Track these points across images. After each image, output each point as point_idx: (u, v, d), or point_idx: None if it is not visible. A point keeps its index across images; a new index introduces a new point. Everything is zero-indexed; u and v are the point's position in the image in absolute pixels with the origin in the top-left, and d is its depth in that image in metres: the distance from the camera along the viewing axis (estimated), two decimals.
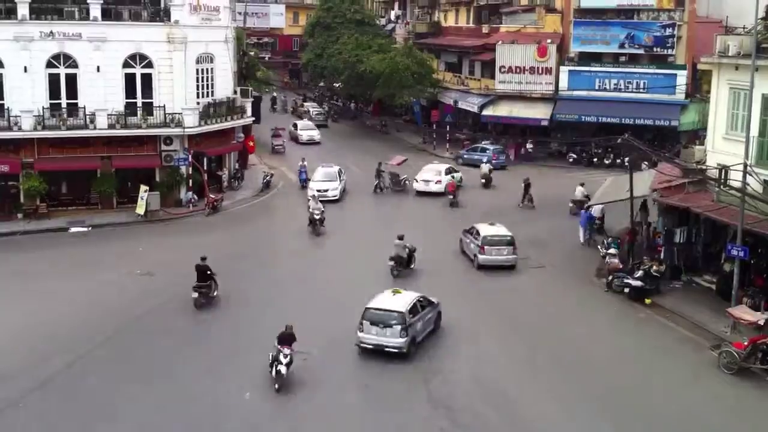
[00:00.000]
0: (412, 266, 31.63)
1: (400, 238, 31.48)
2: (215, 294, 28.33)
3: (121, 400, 21.26)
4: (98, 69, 39.87)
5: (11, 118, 38.47)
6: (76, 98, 39.83)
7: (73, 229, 38.09)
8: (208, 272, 27.99)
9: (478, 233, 32.84)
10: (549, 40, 55.64)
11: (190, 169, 41.65)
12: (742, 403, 21.96)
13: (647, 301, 28.82)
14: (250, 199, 44.55)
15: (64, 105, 39.74)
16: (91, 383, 22.33)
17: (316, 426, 20.25)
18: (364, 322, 24.07)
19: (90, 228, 38.19)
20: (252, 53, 61.84)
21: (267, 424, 20.32)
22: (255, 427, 20.08)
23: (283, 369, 21.71)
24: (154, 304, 28.26)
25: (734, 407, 21.74)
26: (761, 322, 24.51)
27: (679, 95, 52.24)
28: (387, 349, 23.60)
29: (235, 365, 23.53)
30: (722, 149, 29.71)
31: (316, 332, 25.92)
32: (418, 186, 45.58)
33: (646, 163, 43.47)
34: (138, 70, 40.79)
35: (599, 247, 34.14)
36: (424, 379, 22.74)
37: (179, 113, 40.85)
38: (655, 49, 53.15)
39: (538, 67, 55.97)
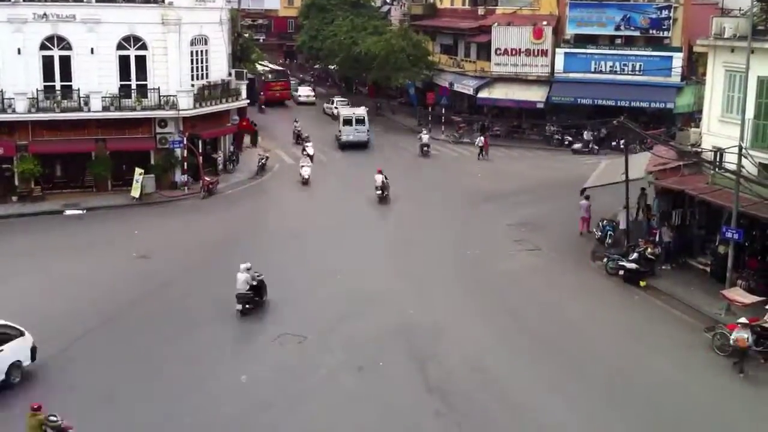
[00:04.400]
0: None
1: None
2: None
3: (118, 383, 21.30)
4: (92, 51, 39.70)
5: (5, 101, 38.33)
6: (70, 80, 39.67)
7: (68, 212, 38.01)
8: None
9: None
10: (545, 22, 55.47)
11: (185, 151, 41.55)
12: (735, 384, 22.05)
13: (642, 283, 28.90)
14: (245, 182, 44.50)
15: (58, 87, 39.58)
16: (87, 366, 22.36)
17: (310, 409, 20.30)
18: None
19: (85, 211, 38.15)
20: (247, 35, 61.42)
21: (262, 407, 20.38)
22: (251, 412, 20.15)
23: None
24: (150, 287, 28.28)
25: (728, 389, 21.83)
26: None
27: (675, 77, 52.21)
28: None
29: (233, 347, 23.63)
30: (717, 132, 29.74)
31: (311, 315, 26.06)
32: None
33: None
34: (132, 52, 40.61)
35: (594, 229, 34.25)
36: (419, 363, 22.81)
37: (174, 95, 40.72)
38: (651, 32, 53.06)
39: (534, 50, 55.85)
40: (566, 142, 53.94)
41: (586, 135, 52.93)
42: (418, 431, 19.44)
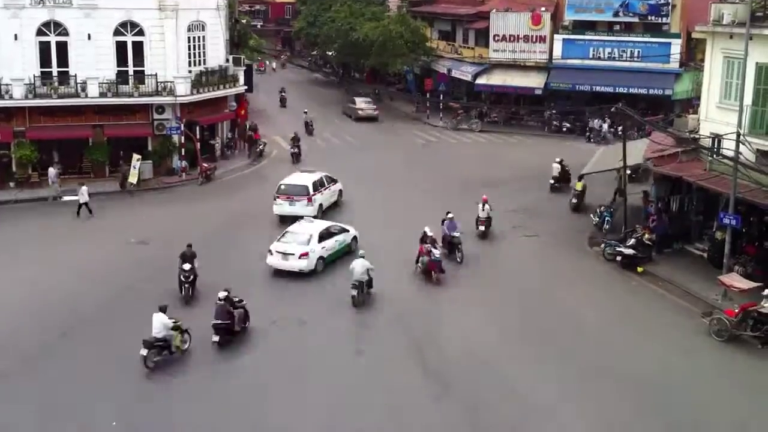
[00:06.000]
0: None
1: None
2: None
3: (117, 369, 21.33)
4: (89, 37, 39.62)
5: (2, 87, 38.27)
6: (67, 66, 39.63)
7: (66, 198, 38.00)
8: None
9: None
10: (543, 8, 55.36)
11: (183, 137, 41.49)
12: (732, 370, 22.18)
13: (639, 269, 28.98)
14: (243, 168, 44.48)
15: (55, 73, 39.54)
16: (85, 352, 22.41)
17: (309, 392, 20.38)
18: None
19: None
20: (244, 21, 61.14)
21: (262, 390, 20.43)
22: (251, 395, 20.20)
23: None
24: (148, 273, 28.29)
25: (725, 374, 21.96)
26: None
27: (674, 64, 52.10)
28: None
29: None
30: (716, 118, 29.73)
31: (311, 299, 26.11)
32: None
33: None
34: (129, 38, 40.52)
35: (591, 215, 34.30)
36: (417, 347, 22.88)
37: (171, 81, 40.65)
38: (649, 18, 52.94)
39: (532, 36, 55.77)
40: (564, 129, 53.91)
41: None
42: (417, 414, 19.49)
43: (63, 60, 39.61)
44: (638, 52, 52.93)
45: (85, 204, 35.14)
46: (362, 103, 59.67)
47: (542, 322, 24.81)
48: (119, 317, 24.66)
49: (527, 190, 39.43)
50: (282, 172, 43.31)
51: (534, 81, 55.45)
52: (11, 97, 38.36)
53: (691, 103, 47.47)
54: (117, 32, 40.24)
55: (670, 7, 52.07)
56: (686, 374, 21.75)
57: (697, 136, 30.72)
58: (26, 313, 24.74)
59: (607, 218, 33.28)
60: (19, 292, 26.25)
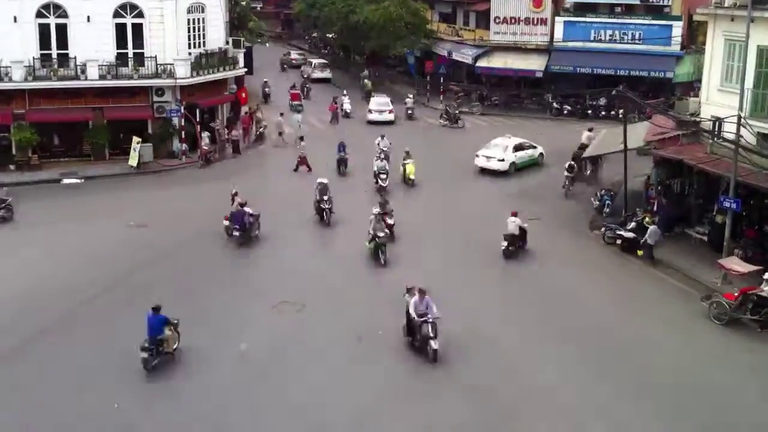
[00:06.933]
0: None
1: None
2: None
3: (118, 350, 21.36)
4: (88, 19, 39.49)
5: (1, 69, 38.17)
6: (66, 49, 39.53)
7: (66, 181, 38.02)
8: None
9: None
10: None
11: (183, 120, 41.42)
12: (731, 353, 22.23)
13: (639, 252, 29.00)
14: (243, 151, 44.36)
15: (54, 55, 39.45)
16: (86, 334, 22.47)
17: (309, 378, 20.44)
18: None
19: (83, 179, 38.15)
20: (244, 3, 60.92)
21: (262, 376, 20.50)
22: (252, 381, 20.26)
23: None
24: (148, 256, 28.32)
25: (724, 358, 22.00)
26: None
27: (675, 46, 52.03)
28: None
29: (232, 319, 23.68)
30: (717, 101, 29.69)
31: (310, 282, 26.15)
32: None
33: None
34: (129, 20, 40.39)
35: (592, 199, 34.30)
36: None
37: (171, 64, 40.55)
38: (650, 0, 52.75)
39: (533, 18, 55.60)
40: (565, 112, 53.69)
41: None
42: (419, 399, 19.55)
43: (62, 42, 39.52)
44: (639, 34, 52.81)
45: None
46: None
47: (542, 303, 24.87)
48: (118, 300, 24.69)
49: (528, 174, 39.42)
50: (281, 156, 43.43)
51: (535, 64, 55.29)
52: (11, 80, 38.27)
53: (692, 86, 47.44)
54: (116, 14, 40.11)
55: None
56: (685, 357, 21.81)
57: (698, 119, 30.66)
58: (27, 294, 24.75)
59: (607, 202, 33.31)
60: (20, 274, 26.28)
